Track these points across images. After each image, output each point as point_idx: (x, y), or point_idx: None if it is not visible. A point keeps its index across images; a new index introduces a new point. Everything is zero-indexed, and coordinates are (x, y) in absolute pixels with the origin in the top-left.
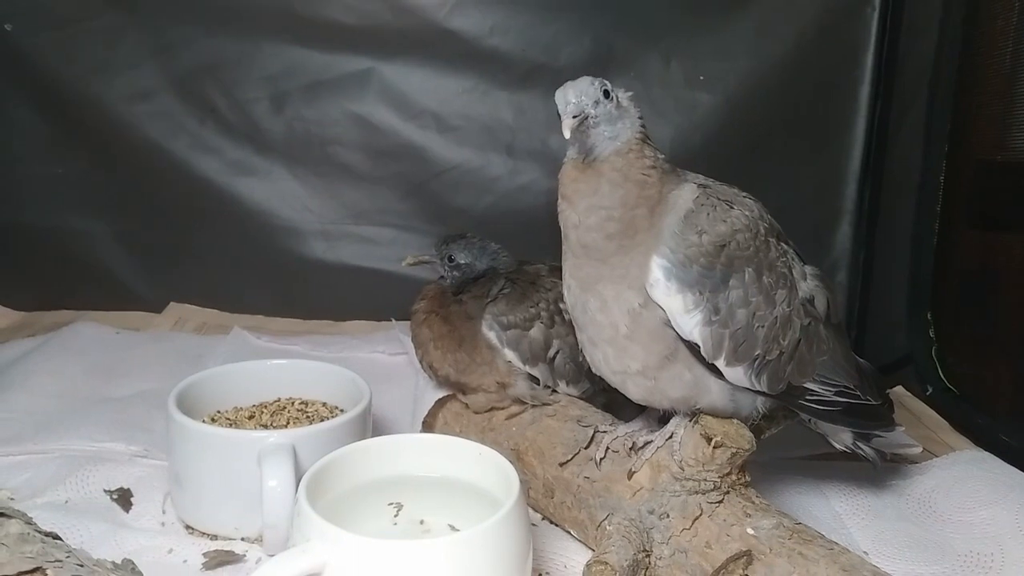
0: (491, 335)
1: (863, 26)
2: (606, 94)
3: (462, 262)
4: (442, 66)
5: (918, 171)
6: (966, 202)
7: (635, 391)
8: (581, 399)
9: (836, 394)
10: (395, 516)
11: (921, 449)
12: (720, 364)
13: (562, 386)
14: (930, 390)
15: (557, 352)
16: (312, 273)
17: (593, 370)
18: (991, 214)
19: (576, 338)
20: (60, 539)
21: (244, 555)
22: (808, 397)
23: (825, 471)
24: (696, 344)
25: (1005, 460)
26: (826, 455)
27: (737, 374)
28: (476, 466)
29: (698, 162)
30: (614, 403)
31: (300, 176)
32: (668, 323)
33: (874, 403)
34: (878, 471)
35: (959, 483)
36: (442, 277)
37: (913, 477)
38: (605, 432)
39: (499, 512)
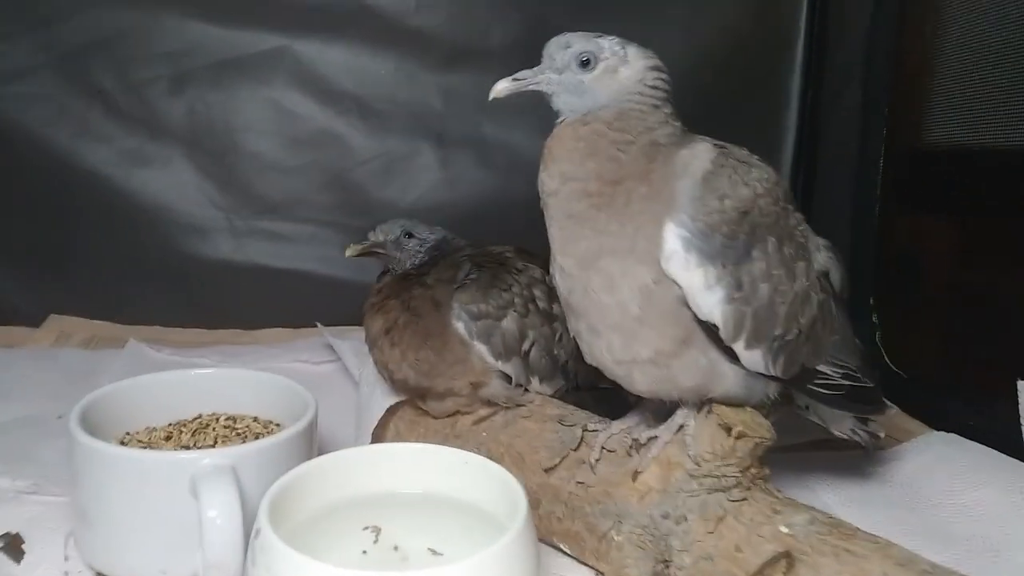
0: (459, 326)
1: (795, 10)
2: (585, 63)
3: (424, 236)
4: (363, 45)
5: (854, 158)
6: (906, 187)
7: (642, 382)
8: (554, 398)
9: (843, 377)
10: (374, 543)
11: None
12: (738, 347)
13: (535, 383)
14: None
15: (532, 345)
16: (218, 276)
17: (590, 361)
18: (929, 198)
19: (550, 329)
20: None
21: None
22: (817, 381)
23: (804, 462)
24: (713, 325)
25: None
26: (807, 444)
27: (755, 357)
28: (468, 479)
29: None
30: (584, 402)
31: (203, 167)
32: (684, 302)
33: (871, 385)
34: (870, 456)
35: (939, 466)
36: (388, 271)
37: (889, 463)
38: (596, 431)
39: (507, 534)
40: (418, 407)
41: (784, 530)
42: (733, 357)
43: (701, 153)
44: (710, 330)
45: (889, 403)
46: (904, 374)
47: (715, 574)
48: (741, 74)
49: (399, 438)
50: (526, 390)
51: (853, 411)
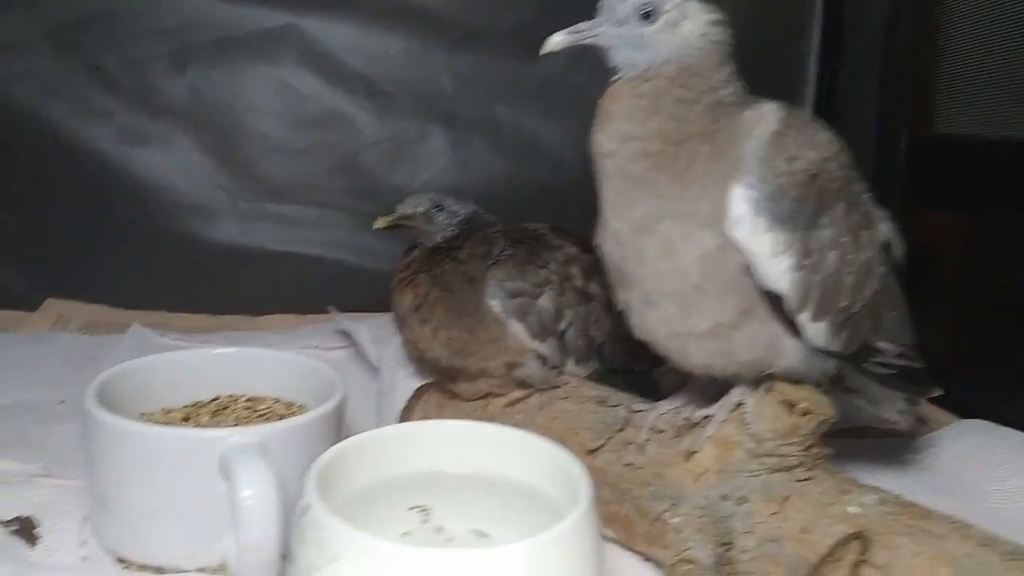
0: (494, 304)
1: None
2: (646, 15)
3: (454, 209)
4: (372, 23)
5: (871, 146)
6: (926, 177)
7: (698, 356)
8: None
9: (898, 356)
10: (422, 523)
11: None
12: (803, 319)
13: (569, 365)
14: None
15: (569, 324)
16: (222, 260)
17: (639, 335)
18: (949, 188)
19: (586, 309)
20: None
21: None
22: (874, 359)
23: (839, 449)
24: (778, 295)
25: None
26: (841, 431)
27: (819, 331)
28: (523, 459)
29: None
30: (615, 386)
31: (206, 147)
32: (748, 270)
33: (920, 366)
34: (906, 444)
35: (979, 453)
36: (416, 245)
37: (925, 451)
38: (642, 411)
39: (568, 518)
40: (446, 389)
41: (854, 510)
42: (795, 331)
43: (767, 114)
44: (773, 301)
45: (936, 386)
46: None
47: (782, 557)
48: (756, 59)
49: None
50: (560, 372)
51: (904, 391)
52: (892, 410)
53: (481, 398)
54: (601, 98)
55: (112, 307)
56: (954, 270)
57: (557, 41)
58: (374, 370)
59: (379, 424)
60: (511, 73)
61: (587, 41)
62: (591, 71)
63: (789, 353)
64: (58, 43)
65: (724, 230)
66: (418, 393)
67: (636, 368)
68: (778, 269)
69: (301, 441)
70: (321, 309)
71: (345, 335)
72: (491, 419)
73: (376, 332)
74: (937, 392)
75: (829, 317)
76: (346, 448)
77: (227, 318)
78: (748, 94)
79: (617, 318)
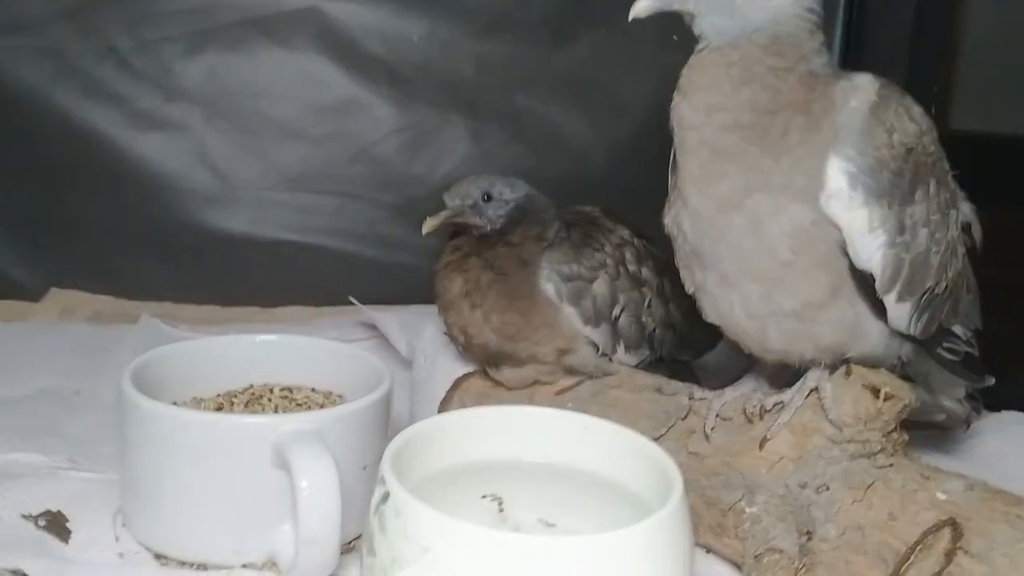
0: (548, 287)
1: None
2: None
3: (505, 197)
4: (395, 8)
5: None
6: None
7: (777, 339)
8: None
9: (966, 342)
10: (499, 512)
11: None
12: (890, 299)
13: (620, 352)
14: None
15: (623, 310)
16: (236, 250)
17: (710, 318)
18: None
19: (639, 294)
20: None
21: None
22: (946, 343)
23: None
24: (869, 273)
25: None
26: None
27: (902, 312)
28: (603, 450)
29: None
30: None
31: (222, 133)
32: (841, 246)
33: (976, 353)
34: (948, 434)
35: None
36: (461, 230)
37: (966, 441)
38: (704, 399)
39: (656, 513)
40: (488, 378)
41: (942, 496)
42: (879, 312)
43: (864, 84)
44: (861, 280)
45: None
46: None
47: (867, 546)
48: None
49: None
50: (609, 360)
51: (966, 379)
52: (952, 398)
53: (527, 387)
54: (684, 68)
55: (118, 297)
56: (991, 260)
57: (642, 7)
58: (402, 362)
59: (413, 416)
60: (536, 62)
61: (675, 7)
62: (616, 61)
63: (871, 336)
64: (70, 22)
65: (819, 204)
66: (456, 383)
67: (682, 358)
68: (872, 245)
69: (354, 429)
70: (336, 301)
71: (367, 327)
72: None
73: (405, 323)
74: (991, 382)
75: (914, 298)
76: (418, 432)
77: (239, 310)
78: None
79: (667, 305)
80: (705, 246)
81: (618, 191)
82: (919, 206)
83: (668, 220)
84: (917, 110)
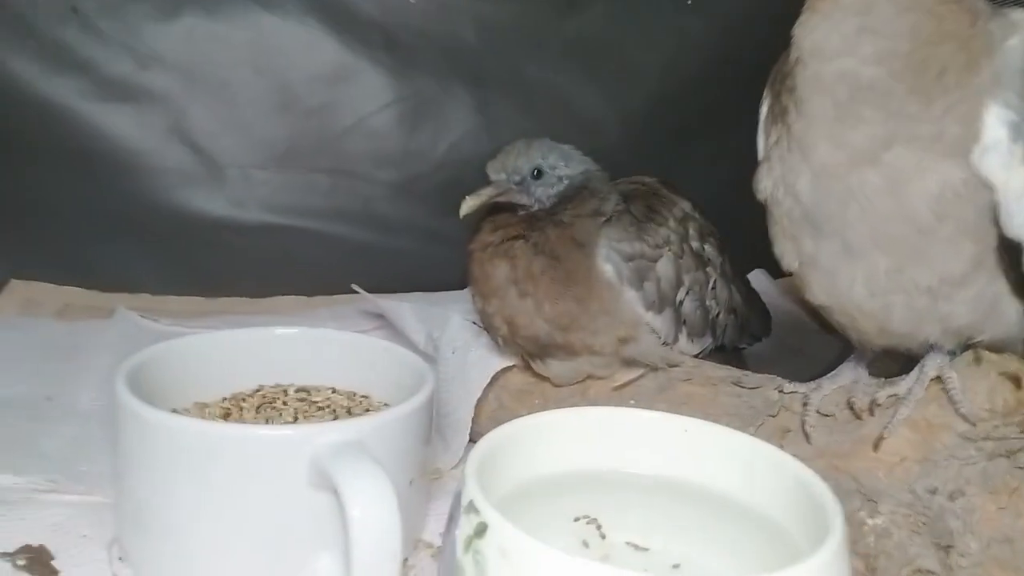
0: (607, 268)
1: None
2: None
3: (558, 173)
4: None
5: None
6: None
7: (902, 319)
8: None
9: None
10: (599, 536)
11: None
12: None
13: (682, 340)
14: None
15: (687, 293)
16: (219, 235)
17: (816, 297)
18: None
19: (704, 275)
20: None
21: None
22: None
23: None
24: (1018, 244)
25: None
26: None
27: None
28: (730, 465)
29: (691, 95)
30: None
31: (200, 104)
32: (992, 212)
33: None
34: None
35: None
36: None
37: None
38: (797, 392)
39: (812, 557)
40: (531, 372)
41: None
42: (1018, 291)
43: (1022, 20)
44: (1006, 253)
45: None
46: None
47: (1018, 560)
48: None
49: (503, 412)
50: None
51: None
52: None
53: (579, 382)
54: None
55: (88, 289)
56: None
57: None
58: (420, 355)
59: (442, 417)
60: (544, 26)
61: None
62: (630, 26)
63: (1007, 317)
64: None
65: (970, 159)
66: (494, 379)
67: (740, 346)
68: None
69: (400, 437)
70: (330, 289)
71: (371, 317)
72: (594, 405)
73: (421, 312)
74: None
75: None
76: (503, 438)
77: (223, 301)
78: None
79: (731, 287)
80: (829, 209)
81: (632, 164)
82: None
83: (767, 184)
84: None
